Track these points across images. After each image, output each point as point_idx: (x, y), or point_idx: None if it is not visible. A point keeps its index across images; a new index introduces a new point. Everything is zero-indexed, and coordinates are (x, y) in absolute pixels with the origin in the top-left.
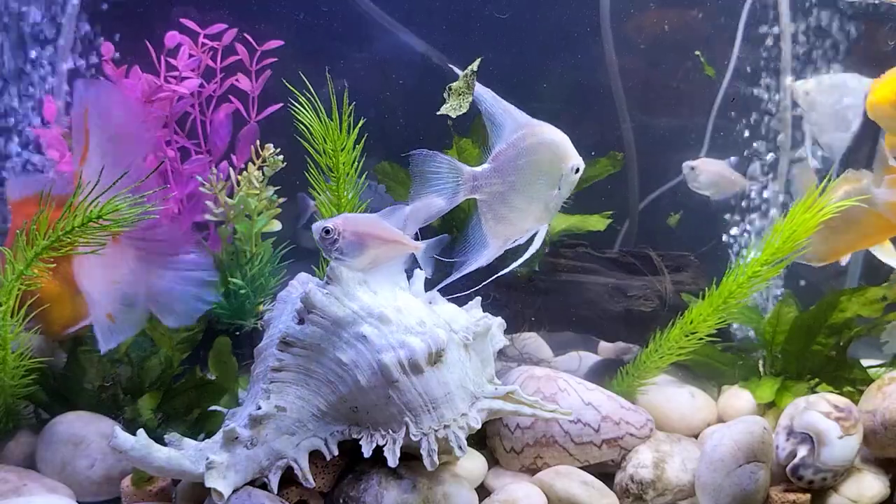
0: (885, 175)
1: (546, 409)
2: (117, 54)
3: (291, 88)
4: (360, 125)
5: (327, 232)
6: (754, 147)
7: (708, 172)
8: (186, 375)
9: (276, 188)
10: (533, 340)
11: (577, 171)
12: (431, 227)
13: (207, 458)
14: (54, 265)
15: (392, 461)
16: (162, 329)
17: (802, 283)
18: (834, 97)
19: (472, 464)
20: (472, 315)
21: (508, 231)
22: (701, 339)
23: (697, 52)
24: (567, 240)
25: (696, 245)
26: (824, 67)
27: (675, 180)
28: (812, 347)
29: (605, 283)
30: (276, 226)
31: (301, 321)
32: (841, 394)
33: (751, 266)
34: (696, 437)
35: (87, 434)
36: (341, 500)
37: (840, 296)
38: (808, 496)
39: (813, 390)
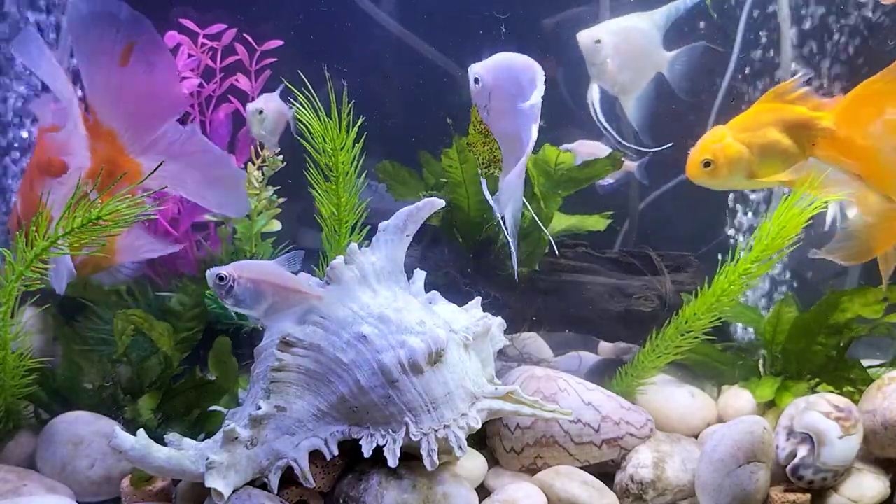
0: None
1: (546, 409)
2: None
3: (291, 88)
4: (359, 123)
5: (221, 279)
6: None
7: (585, 155)
8: (186, 375)
9: (276, 188)
10: (533, 340)
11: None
12: (431, 226)
13: (207, 458)
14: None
15: (392, 461)
16: (161, 329)
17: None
18: (625, 39)
19: (472, 464)
20: (472, 315)
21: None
22: (696, 337)
23: None
24: (567, 240)
25: (696, 245)
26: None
27: (675, 180)
28: (812, 347)
29: (605, 283)
30: (276, 226)
31: (301, 321)
32: (841, 394)
33: (741, 264)
34: (696, 437)
35: (87, 434)
36: (341, 500)
37: (841, 296)
38: (808, 496)
39: (813, 390)
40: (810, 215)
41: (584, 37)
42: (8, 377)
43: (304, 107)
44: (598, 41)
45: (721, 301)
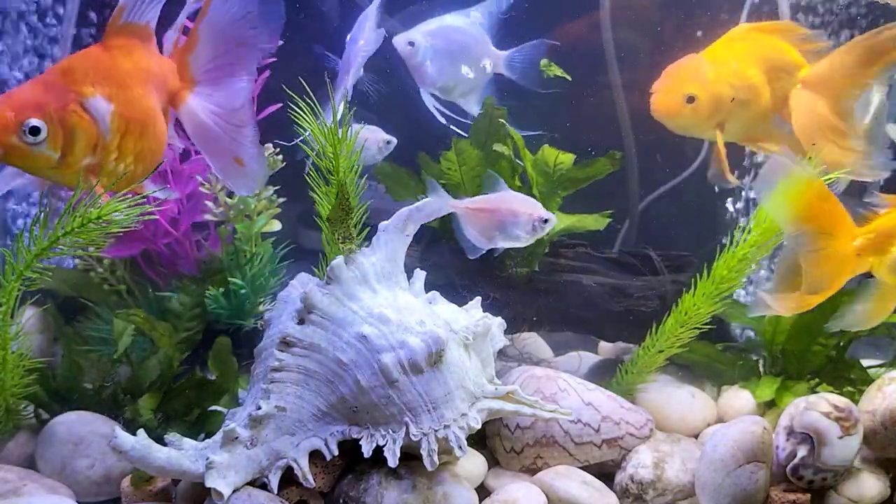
0: None
1: (546, 409)
2: None
3: (290, 93)
4: (360, 129)
5: None
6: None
7: (374, 139)
8: (186, 375)
9: (276, 188)
10: (533, 340)
11: None
12: (431, 227)
13: (207, 458)
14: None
15: (392, 461)
16: (162, 329)
17: None
18: (444, 39)
19: (472, 464)
20: (472, 315)
21: None
22: (697, 327)
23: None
24: (567, 240)
25: (696, 245)
26: None
27: (675, 180)
28: (812, 347)
29: (605, 283)
30: (276, 226)
31: (301, 321)
32: (841, 394)
33: (740, 249)
34: (696, 437)
35: (87, 434)
36: (341, 500)
37: (841, 296)
38: (808, 496)
39: (813, 390)
40: None
41: (399, 41)
42: (8, 377)
43: (303, 110)
44: (412, 43)
45: (720, 289)
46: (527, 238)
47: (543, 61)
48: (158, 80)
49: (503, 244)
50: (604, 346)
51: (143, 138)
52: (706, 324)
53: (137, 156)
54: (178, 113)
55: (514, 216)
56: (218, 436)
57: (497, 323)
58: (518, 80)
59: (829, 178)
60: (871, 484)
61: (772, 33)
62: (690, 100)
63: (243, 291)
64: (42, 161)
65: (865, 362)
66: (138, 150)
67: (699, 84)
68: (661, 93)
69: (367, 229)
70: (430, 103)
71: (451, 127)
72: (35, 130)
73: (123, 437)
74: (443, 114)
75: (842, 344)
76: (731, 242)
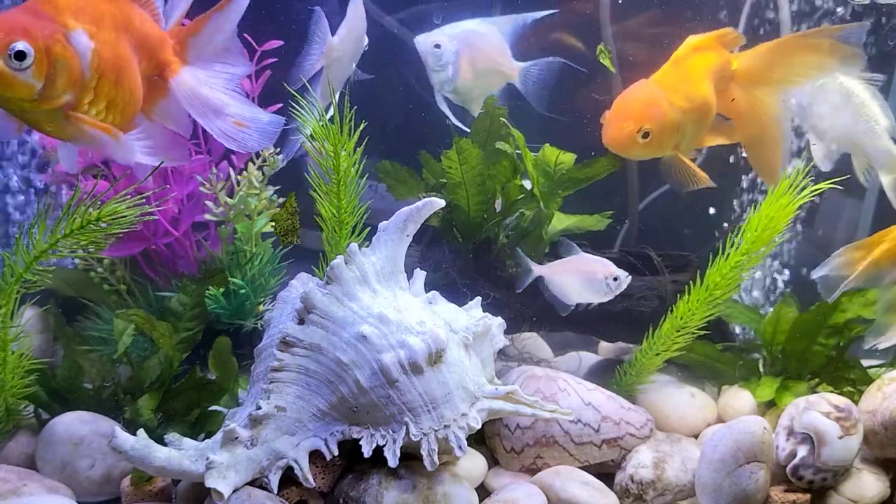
0: None
1: (546, 409)
2: None
3: (292, 91)
4: (361, 128)
5: None
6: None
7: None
8: (186, 375)
9: (276, 188)
10: (533, 340)
11: None
12: (432, 227)
13: (207, 458)
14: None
15: (392, 461)
16: (162, 329)
17: None
18: (468, 45)
19: (472, 464)
20: (472, 315)
21: None
22: (692, 333)
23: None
24: (567, 240)
25: (696, 245)
26: None
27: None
28: (812, 347)
29: None
30: None
31: (301, 321)
32: (841, 394)
33: (732, 256)
34: (696, 437)
35: (87, 434)
36: (341, 500)
37: (841, 296)
38: (808, 496)
39: (813, 390)
40: (799, 204)
41: (424, 41)
42: (8, 377)
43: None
44: (439, 46)
45: (714, 295)
46: (603, 294)
47: (601, 47)
48: (141, 40)
49: (584, 300)
50: (604, 346)
51: (118, 86)
52: (702, 328)
53: (110, 103)
54: (172, 83)
55: (591, 276)
56: (218, 436)
57: (497, 323)
58: (527, 95)
59: (819, 188)
60: (871, 484)
61: (714, 42)
62: (645, 135)
63: (243, 291)
64: (24, 91)
65: (865, 362)
66: (111, 98)
67: (652, 119)
68: (613, 127)
69: (368, 229)
70: (443, 106)
71: (462, 127)
72: (21, 55)
73: (123, 437)
74: (451, 116)
75: (842, 344)
76: (724, 250)
